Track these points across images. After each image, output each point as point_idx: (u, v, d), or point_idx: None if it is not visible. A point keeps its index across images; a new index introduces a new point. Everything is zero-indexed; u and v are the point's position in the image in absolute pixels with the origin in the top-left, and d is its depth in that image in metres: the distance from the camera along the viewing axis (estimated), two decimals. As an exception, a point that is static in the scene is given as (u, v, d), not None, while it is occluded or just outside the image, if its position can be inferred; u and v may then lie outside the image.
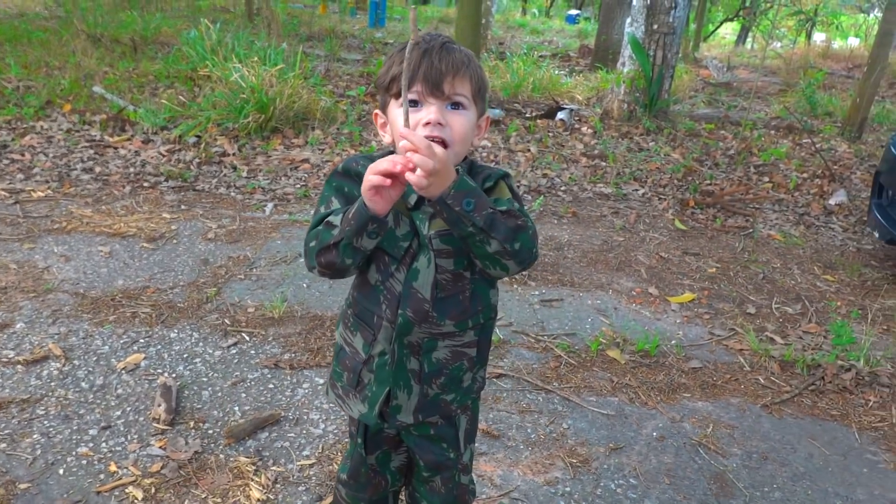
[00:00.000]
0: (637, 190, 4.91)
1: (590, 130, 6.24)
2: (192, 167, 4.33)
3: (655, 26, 6.34)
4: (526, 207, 1.34)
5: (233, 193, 4.03)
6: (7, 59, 6.11)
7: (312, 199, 4.11)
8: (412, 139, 1.00)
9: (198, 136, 4.80)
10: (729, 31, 29.26)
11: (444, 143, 1.13)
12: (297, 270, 3.15)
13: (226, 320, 2.66)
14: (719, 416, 2.43)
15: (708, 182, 5.17)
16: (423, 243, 1.19)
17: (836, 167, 5.89)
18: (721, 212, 4.64)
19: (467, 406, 1.37)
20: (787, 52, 18.04)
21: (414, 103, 1.14)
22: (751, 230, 4.38)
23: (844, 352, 2.86)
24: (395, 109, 1.17)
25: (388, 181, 1.04)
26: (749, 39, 23.64)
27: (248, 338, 2.56)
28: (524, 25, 21.88)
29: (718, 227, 4.39)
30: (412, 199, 1.19)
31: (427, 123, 1.12)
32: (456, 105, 1.15)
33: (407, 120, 1.07)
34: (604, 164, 5.36)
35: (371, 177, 1.04)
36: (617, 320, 3.04)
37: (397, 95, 1.15)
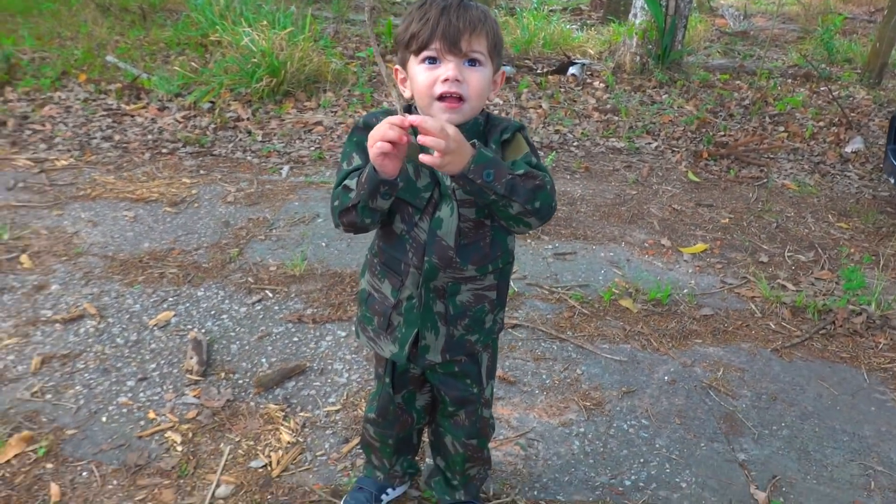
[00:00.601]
0: (650, 143, 4.91)
1: (602, 85, 6.19)
2: (208, 133, 4.40)
3: (668, -25, 6.21)
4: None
5: (249, 157, 4.10)
6: (21, 31, 6.16)
7: (327, 160, 4.16)
8: (425, 125, 1.05)
9: (212, 102, 4.84)
10: (746, -23, 28.42)
11: (461, 98, 1.20)
12: (316, 230, 3.22)
13: (249, 279, 2.75)
14: (730, 360, 2.50)
15: (722, 133, 5.14)
16: (446, 193, 1.26)
17: (853, 114, 5.82)
18: (735, 162, 4.63)
19: (488, 345, 1.47)
20: (807, -1, 17.55)
21: (433, 60, 1.20)
22: (765, 180, 4.38)
23: (856, 296, 2.90)
24: (416, 66, 1.22)
25: (392, 147, 1.10)
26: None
27: (271, 295, 2.65)
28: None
29: (732, 177, 4.39)
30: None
31: (446, 80, 1.18)
32: (473, 62, 1.20)
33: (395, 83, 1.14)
34: (616, 118, 5.34)
35: (377, 145, 1.09)
36: (629, 271, 3.09)
37: (417, 52, 1.21)
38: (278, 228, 3.21)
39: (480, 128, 1.28)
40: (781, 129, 5.43)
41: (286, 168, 3.96)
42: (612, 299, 2.82)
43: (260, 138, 4.38)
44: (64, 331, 2.33)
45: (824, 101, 6.28)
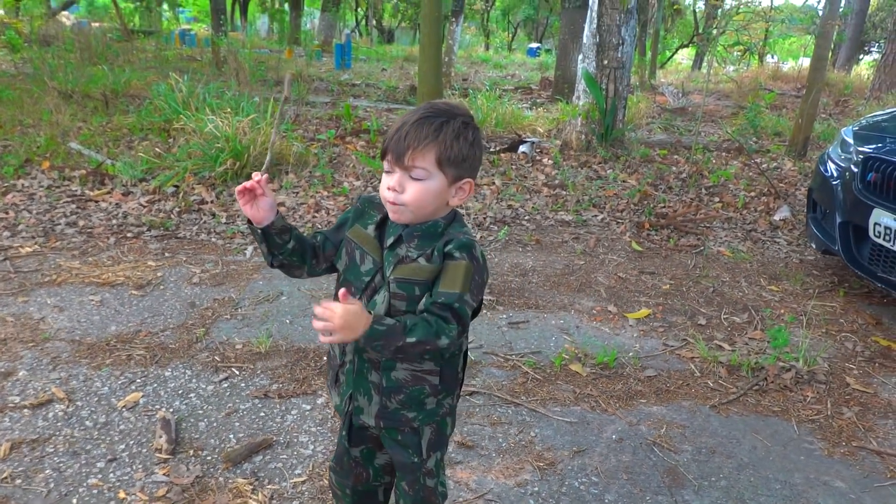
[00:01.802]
0: (596, 216, 5.23)
1: (550, 161, 6.58)
2: (172, 216, 4.53)
3: (606, 62, 6.75)
4: (491, 238, 1.57)
5: (214, 239, 4.24)
6: (-17, 120, 6.28)
7: (290, 240, 4.32)
8: (319, 312, 1.22)
9: (176, 186, 5.00)
10: (685, 56, 30.39)
11: (402, 204, 1.35)
12: (280, 308, 3.36)
13: (216, 357, 2.85)
14: (672, 418, 2.68)
15: (662, 205, 5.51)
16: (384, 284, 1.39)
17: (781, 185, 6.30)
18: (674, 232, 4.97)
19: (432, 422, 1.53)
20: (740, 76, 18.85)
21: (389, 169, 1.37)
22: (702, 248, 4.71)
23: (785, 354, 3.15)
24: (384, 169, 1.39)
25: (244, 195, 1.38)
26: (705, 64, 24.61)
27: (237, 372, 2.76)
28: (487, 60, 22.55)
29: (672, 246, 4.71)
30: (389, 241, 1.40)
31: (389, 189, 1.36)
32: (415, 176, 1.33)
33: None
34: (564, 192, 5.68)
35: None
36: (578, 337, 3.29)
37: (382, 158, 1.39)
38: (244, 307, 3.34)
39: (439, 229, 1.40)
40: (716, 199, 5.84)
41: (250, 248, 4.10)
42: (563, 364, 3.00)
43: (224, 220, 4.54)
44: (32, 416, 2.38)
45: (755, 173, 6.78)
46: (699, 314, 3.66)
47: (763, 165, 6.96)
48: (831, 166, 4.14)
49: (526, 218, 5.09)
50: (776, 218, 5.40)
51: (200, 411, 2.48)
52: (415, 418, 1.48)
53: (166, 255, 3.95)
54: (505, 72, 18.50)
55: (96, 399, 2.51)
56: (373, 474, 1.69)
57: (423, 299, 1.36)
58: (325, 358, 2.83)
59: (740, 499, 2.25)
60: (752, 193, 6.04)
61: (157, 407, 2.48)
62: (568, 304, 3.67)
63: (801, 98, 14.59)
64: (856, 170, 3.76)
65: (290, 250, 1.47)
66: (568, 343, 3.22)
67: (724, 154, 7.83)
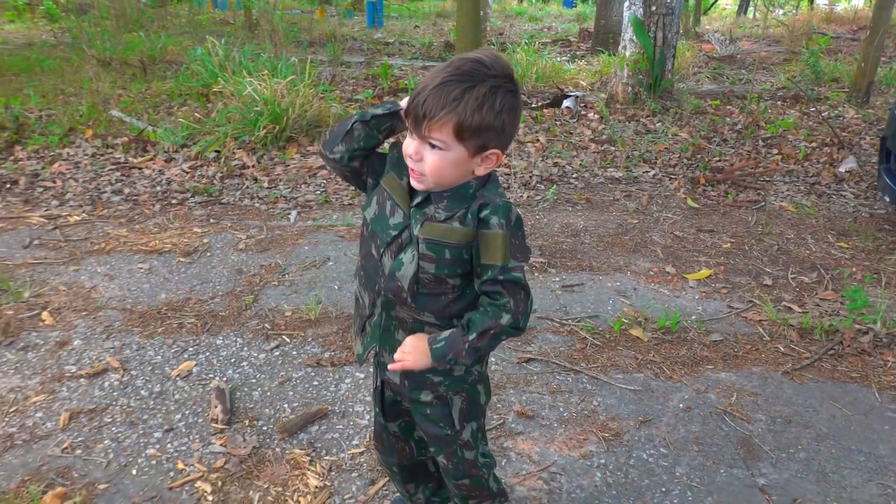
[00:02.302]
0: (647, 172, 5.01)
1: (596, 116, 6.33)
2: (215, 182, 4.49)
3: (654, 8, 6.40)
4: (539, 198, 1.44)
5: (257, 204, 4.18)
6: (26, 90, 6.31)
7: (334, 204, 4.25)
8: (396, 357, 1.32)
9: (217, 151, 4.95)
10: (729, 1, 29.03)
11: (421, 173, 1.25)
12: (328, 273, 3.29)
13: (266, 325, 2.80)
14: (742, 385, 2.54)
15: (717, 159, 5.25)
16: (412, 242, 1.30)
17: (844, 134, 5.94)
18: (732, 187, 4.73)
19: (461, 390, 1.46)
20: (790, 20, 17.90)
21: (410, 133, 1.26)
22: (763, 203, 4.47)
23: (861, 316, 2.95)
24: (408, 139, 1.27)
25: None
26: (751, 8, 23.46)
27: (288, 340, 2.70)
28: (522, 13, 21.87)
29: (730, 202, 4.48)
30: (416, 199, 1.30)
31: (408, 156, 1.25)
32: (432, 145, 1.22)
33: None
34: (613, 148, 5.46)
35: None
36: (637, 300, 3.15)
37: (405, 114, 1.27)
38: (291, 273, 3.28)
39: (470, 190, 1.29)
40: (775, 151, 5.54)
41: (294, 213, 4.04)
42: (623, 329, 2.87)
43: (266, 185, 4.47)
44: (89, 385, 2.37)
45: (815, 122, 6.41)
46: (764, 274, 3.47)
47: (823, 114, 6.57)
48: (909, 112, 3.83)
49: (574, 176, 4.90)
50: (841, 170, 5.09)
51: (253, 380, 2.44)
52: (440, 383, 1.41)
53: (211, 221, 3.91)
54: (541, 24, 17.91)
55: (150, 368, 2.48)
56: (416, 448, 1.63)
57: (475, 279, 1.31)
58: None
59: (822, 472, 2.11)
60: (814, 144, 5.71)
61: (211, 376, 2.44)
62: (623, 265, 3.52)
63: (857, 41, 13.81)
64: (939, 116, 3.46)
65: (369, 147, 1.37)
66: (626, 306, 3.08)
67: (779, 103, 7.43)
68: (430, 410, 1.45)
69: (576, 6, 25.71)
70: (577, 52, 11.66)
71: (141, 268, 3.27)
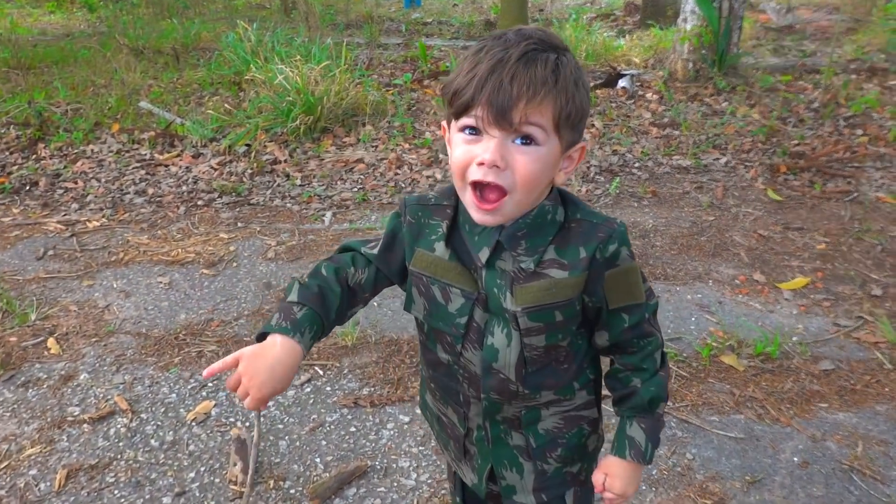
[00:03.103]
0: (718, 159, 4.49)
1: (655, 96, 5.79)
2: (244, 179, 4.16)
3: (719, -26, 5.80)
4: (600, 192, 1.07)
5: (289, 204, 3.84)
6: (55, 83, 6.09)
7: (372, 202, 3.87)
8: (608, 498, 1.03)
9: (247, 145, 4.62)
10: (781, -31, 27.52)
11: (502, 191, 0.90)
12: (365, 287, 2.92)
13: (296, 353, 2.45)
14: (867, 430, 2.09)
15: (796, 142, 4.69)
16: (497, 312, 0.98)
17: (939, 111, 5.28)
18: (818, 175, 4.18)
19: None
20: (851, -15, 16.78)
21: (474, 130, 0.90)
22: (856, 194, 3.92)
23: None
24: (455, 132, 0.93)
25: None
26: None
27: (321, 372, 2.35)
28: (564, -13, 21.06)
29: (818, 193, 3.94)
30: (483, 256, 0.97)
31: (481, 163, 0.88)
32: (527, 139, 0.88)
33: None
34: (676, 132, 4.94)
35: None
36: (724, 316, 2.70)
37: (457, 115, 0.91)
38: (324, 287, 2.92)
39: (550, 217, 0.96)
40: (860, 132, 4.94)
41: (329, 214, 3.68)
42: (712, 355, 2.43)
43: (299, 182, 4.12)
44: (92, 433, 2.05)
45: (901, 98, 5.75)
46: (870, 281, 2.97)
47: (911, 88, 5.90)
48: None
49: (636, 165, 4.41)
50: (943, 153, 4.48)
51: (280, 426, 2.09)
52: (580, 470, 1.12)
53: (239, 224, 3.57)
54: (585, -1, 17.14)
55: (163, 410, 2.16)
56: None
57: (597, 334, 1.04)
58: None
59: None
60: (904, 123, 5.08)
61: (232, 420, 2.11)
62: (703, 272, 3.05)
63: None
64: None
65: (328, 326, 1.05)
66: (713, 325, 2.63)
67: (853, 77, 6.75)
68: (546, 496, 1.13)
69: (619, -22, 24.69)
70: (625, 27, 11.01)
71: (160, 282, 2.95)
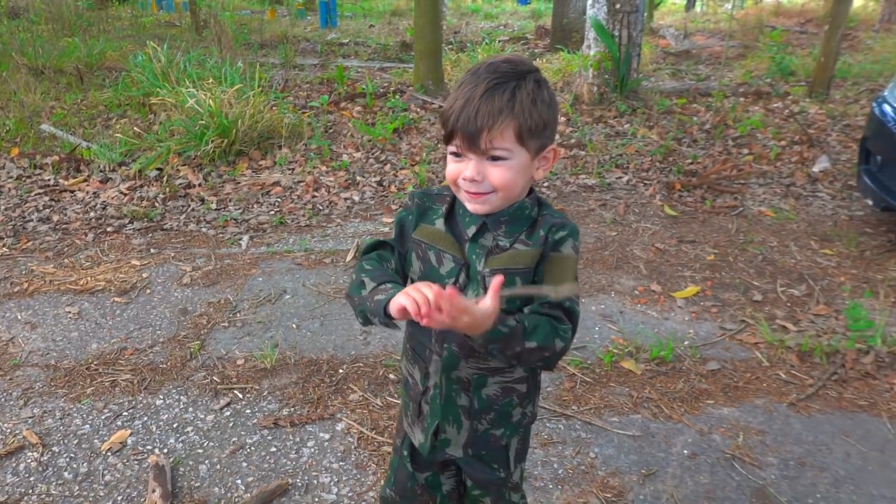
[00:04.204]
0: (621, 177, 4.79)
1: (563, 118, 6.10)
2: (156, 204, 4.10)
3: (618, 6, 6.20)
4: None
5: (204, 229, 3.81)
6: (-55, 105, 5.77)
7: (289, 225, 3.90)
8: (433, 304, 0.98)
9: (159, 169, 4.55)
10: (678, -4, 29.31)
11: (484, 195, 1.15)
12: (284, 310, 2.96)
13: (214, 377, 2.47)
14: (748, 422, 2.32)
15: (690, 161, 5.07)
16: (474, 277, 1.19)
17: (811, 131, 5.84)
18: (709, 192, 4.54)
19: (519, 434, 1.37)
20: (740, 14, 18.10)
21: (458, 154, 1.15)
22: (741, 208, 4.29)
23: (860, 334, 2.76)
24: (448, 153, 1.17)
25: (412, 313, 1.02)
26: (699, 3, 23.72)
27: (240, 395, 2.37)
28: (477, 10, 21.63)
29: (709, 208, 4.29)
30: (470, 232, 1.20)
31: (465, 178, 1.14)
32: (495, 158, 1.12)
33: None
34: (583, 152, 5.23)
35: (402, 301, 1.02)
36: (625, 325, 2.91)
37: (445, 140, 1.16)
38: (242, 311, 2.94)
39: (527, 212, 1.20)
40: (746, 151, 5.40)
41: (246, 238, 3.68)
42: (613, 361, 2.63)
43: (214, 206, 4.10)
44: (0, 469, 2.00)
45: (781, 119, 6.31)
46: (752, 288, 3.27)
47: (786, 110, 6.48)
48: (890, 111, 3.68)
49: (545, 183, 4.65)
50: (815, 169, 4.96)
51: (200, 450, 2.11)
52: (502, 435, 1.32)
53: (151, 250, 3.53)
54: (496, 22, 17.70)
55: (76, 441, 2.13)
56: (439, 501, 1.45)
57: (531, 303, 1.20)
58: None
59: (849, 527, 1.90)
60: (783, 142, 5.59)
61: (149, 448, 2.10)
62: (606, 284, 3.27)
63: (806, 34, 13.95)
64: (925, 116, 3.31)
65: None
66: (614, 333, 2.83)
67: (741, 100, 7.34)
68: (486, 452, 1.34)
69: (530, 3, 25.61)
70: (536, 51, 11.47)
71: (69, 312, 2.88)
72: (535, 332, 1.12)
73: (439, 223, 1.22)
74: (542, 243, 1.17)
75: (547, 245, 1.16)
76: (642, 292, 3.21)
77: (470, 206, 1.17)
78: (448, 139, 1.14)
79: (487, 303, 1.01)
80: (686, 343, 2.78)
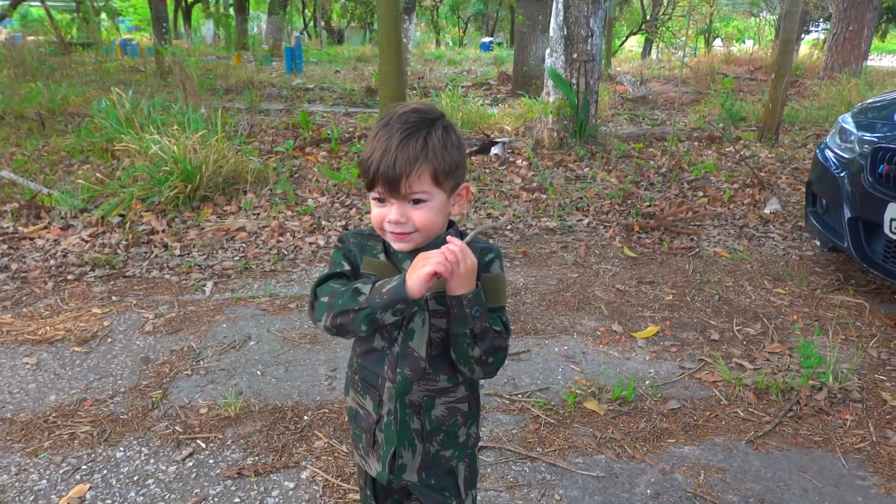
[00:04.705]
0: (581, 220, 4.92)
1: (525, 163, 6.26)
2: (118, 251, 4.06)
3: (575, 55, 6.46)
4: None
5: (167, 276, 3.78)
6: None
7: (254, 271, 3.90)
8: (457, 253, 1.15)
9: (122, 216, 4.52)
10: (634, 44, 30.53)
11: (408, 234, 1.24)
12: (249, 356, 2.94)
13: (177, 427, 2.43)
14: (708, 460, 2.37)
15: (648, 204, 5.23)
16: (420, 304, 1.26)
17: (762, 174, 6.10)
18: (666, 233, 4.69)
19: (465, 457, 1.44)
20: (693, 61, 18.91)
21: (380, 200, 1.24)
22: (697, 249, 4.43)
23: (812, 371, 2.87)
24: (371, 199, 1.26)
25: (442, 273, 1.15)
26: (654, 50, 24.70)
27: (203, 445, 2.34)
28: (441, 57, 22.18)
29: (666, 250, 4.42)
30: (406, 265, 1.24)
31: (389, 221, 1.23)
32: (416, 201, 1.21)
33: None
34: (544, 196, 5.36)
35: (439, 262, 1.14)
36: (587, 366, 2.96)
37: (367, 187, 1.23)
38: (206, 359, 2.91)
39: (441, 241, 1.28)
40: (700, 194, 5.60)
41: (210, 284, 3.67)
42: (577, 402, 2.67)
43: (178, 252, 4.08)
44: (-50, 529, 1.94)
45: (733, 163, 6.58)
46: (710, 327, 3.37)
47: (738, 154, 6.76)
48: (832, 157, 3.89)
49: (508, 227, 4.75)
50: (766, 211, 5.17)
51: (162, 502, 2.07)
52: (451, 456, 1.39)
53: (113, 298, 3.48)
54: (460, 68, 18.16)
55: (32, 498, 2.07)
56: None
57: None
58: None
59: (806, 562, 1.94)
60: (735, 185, 5.82)
61: (108, 502, 2.05)
62: (569, 325, 3.34)
63: (755, 80, 14.61)
64: (863, 162, 3.51)
65: None
66: (577, 374, 2.88)
67: (695, 144, 7.63)
68: (436, 481, 1.40)
69: (492, 49, 26.35)
70: (498, 96, 11.78)
71: (27, 363, 2.82)
72: (493, 319, 1.25)
73: (382, 257, 1.31)
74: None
75: (479, 267, 1.25)
76: (604, 333, 3.28)
77: (396, 245, 1.27)
78: (370, 186, 1.22)
79: (472, 256, 1.17)
80: (647, 382, 2.84)
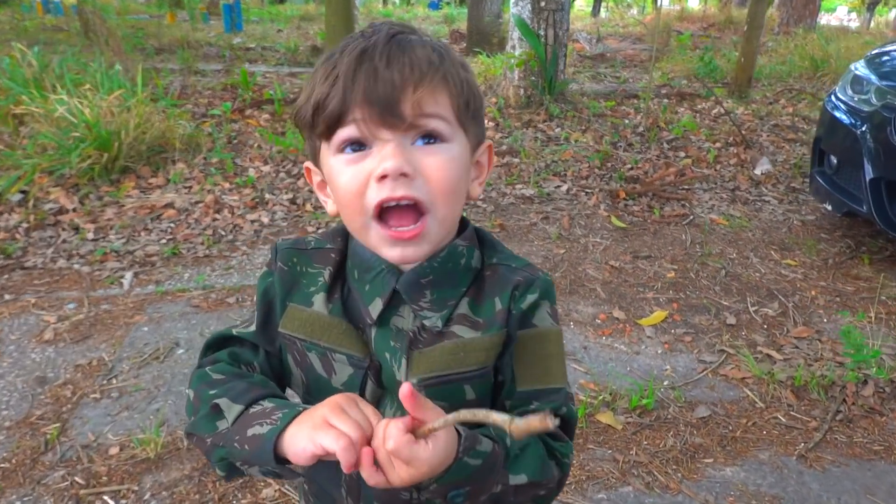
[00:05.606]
0: (559, 186, 4.41)
1: (491, 123, 5.70)
2: (17, 236, 3.35)
3: (543, 3, 5.87)
4: None
5: (76, 265, 3.11)
6: None
7: (184, 255, 3.26)
8: (397, 448, 0.60)
9: (23, 192, 3.78)
10: (583, 3, 29.99)
11: (418, 208, 0.70)
12: (176, 370, 2.34)
13: (77, 478, 1.84)
14: (758, 486, 1.92)
15: (630, 167, 4.76)
16: (390, 386, 0.75)
17: (744, 131, 5.70)
18: (654, 200, 4.23)
19: None
20: (646, 18, 18.52)
21: (357, 145, 0.70)
22: (691, 217, 3.99)
23: (857, 364, 2.44)
24: (331, 159, 0.72)
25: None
26: (602, 9, 24.25)
27: (112, 502, 1.76)
28: (389, 15, 21.20)
29: (658, 218, 3.96)
30: (375, 310, 0.75)
31: (383, 177, 0.68)
32: (429, 137, 0.70)
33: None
34: (516, 160, 4.83)
35: (311, 448, 0.64)
36: (592, 364, 2.48)
37: (328, 133, 0.71)
38: (121, 375, 2.30)
39: (464, 261, 0.77)
40: (682, 154, 5.16)
41: (129, 275, 3.02)
42: (588, 414, 2.18)
43: (91, 235, 3.39)
44: None
45: (710, 120, 6.16)
46: (723, 309, 2.93)
47: (716, 111, 6.35)
48: (846, 110, 3.46)
49: (480, 196, 4.19)
50: (757, 172, 4.76)
51: None
52: None
53: (6, 297, 2.81)
54: (412, 26, 17.29)
55: None
56: None
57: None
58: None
59: None
60: (718, 144, 5.40)
61: None
62: (563, 313, 2.84)
63: (710, 37, 14.33)
64: (889, 114, 3.08)
65: None
66: (583, 377, 2.40)
67: (665, 101, 7.19)
68: None
69: (441, 8, 25.40)
70: (454, 54, 11.11)
71: None
72: (522, 460, 0.72)
73: (318, 301, 0.77)
74: (503, 323, 0.75)
75: (511, 322, 0.75)
76: (605, 321, 2.79)
77: (394, 253, 0.71)
78: (333, 125, 0.69)
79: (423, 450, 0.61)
80: (666, 383, 2.38)
